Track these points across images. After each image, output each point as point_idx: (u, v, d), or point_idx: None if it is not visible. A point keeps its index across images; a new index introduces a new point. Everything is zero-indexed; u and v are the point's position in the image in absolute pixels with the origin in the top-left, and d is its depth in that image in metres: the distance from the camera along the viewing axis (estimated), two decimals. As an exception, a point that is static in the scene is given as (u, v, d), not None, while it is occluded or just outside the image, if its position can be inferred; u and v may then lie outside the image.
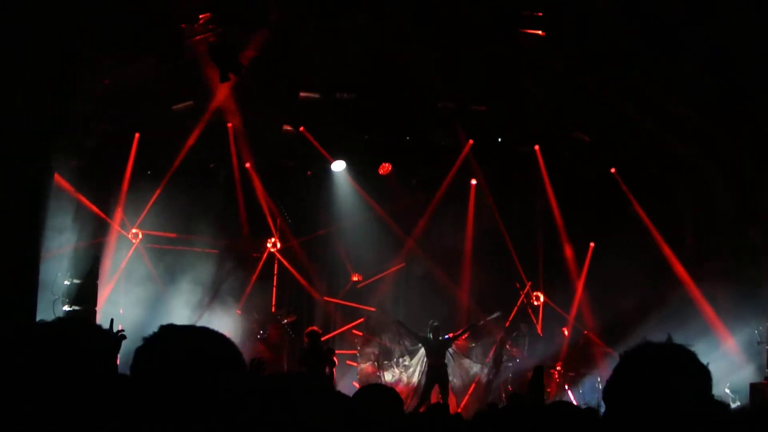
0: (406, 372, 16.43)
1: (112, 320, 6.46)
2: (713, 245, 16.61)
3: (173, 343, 2.13)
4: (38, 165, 9.84)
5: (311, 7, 12.31)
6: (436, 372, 14.91)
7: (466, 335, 16.10)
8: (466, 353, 16.51)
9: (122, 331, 5.98)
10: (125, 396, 2.22)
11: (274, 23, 12.69)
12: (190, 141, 15.99)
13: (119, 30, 11.14)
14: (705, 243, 16.84)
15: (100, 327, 2.62)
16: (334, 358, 14.21)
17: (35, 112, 9.68)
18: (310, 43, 13.60)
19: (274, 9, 12.37)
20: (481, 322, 16.29)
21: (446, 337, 15.21)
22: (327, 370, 13.63)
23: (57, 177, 11.58)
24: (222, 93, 15.03)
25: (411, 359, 16.38)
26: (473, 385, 16.36)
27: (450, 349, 15.63)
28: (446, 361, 15.33)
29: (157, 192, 16.02)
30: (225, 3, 12.10)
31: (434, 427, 5.24)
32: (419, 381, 15.91)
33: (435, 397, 14.98)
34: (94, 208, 15.02)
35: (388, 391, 3.98)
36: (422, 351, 15.73)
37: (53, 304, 12.41)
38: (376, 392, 3.96)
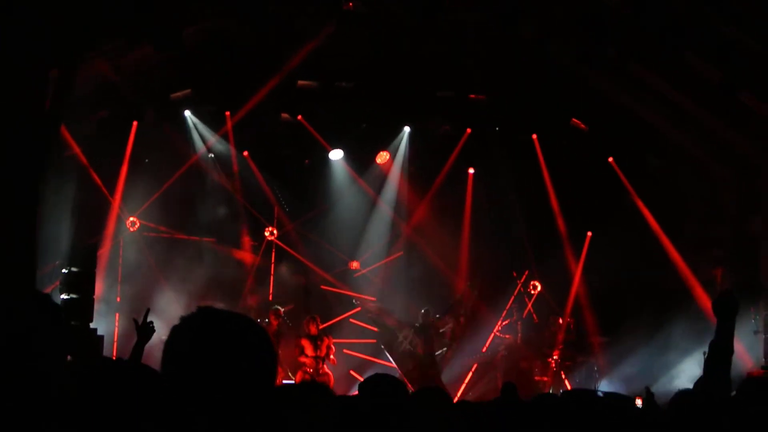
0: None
1: (147, 310, 6.43)
2: (711, 234, 16.61)
3: (212, 326, 2.11)
4: (37, 150, 9.82)
5: None
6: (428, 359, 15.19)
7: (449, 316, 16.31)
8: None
9: (151, 323, 6.05)
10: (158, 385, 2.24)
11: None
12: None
13: (116, 17, 11.10)
14: (703, 232, 16.83)
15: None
16: (332, 345, 14.34)
17: (35, 98, 9.66)
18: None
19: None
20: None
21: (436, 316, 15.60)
22: (324, 352, 13.96)
23: (54, 162, 11.54)
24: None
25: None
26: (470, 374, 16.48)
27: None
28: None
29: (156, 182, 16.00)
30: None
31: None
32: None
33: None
34: (92, 196, 14.98)
35: (394, 381, 3.91)
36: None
37: (51, 293, 12.40)
38: (381, 382, 3.89)
